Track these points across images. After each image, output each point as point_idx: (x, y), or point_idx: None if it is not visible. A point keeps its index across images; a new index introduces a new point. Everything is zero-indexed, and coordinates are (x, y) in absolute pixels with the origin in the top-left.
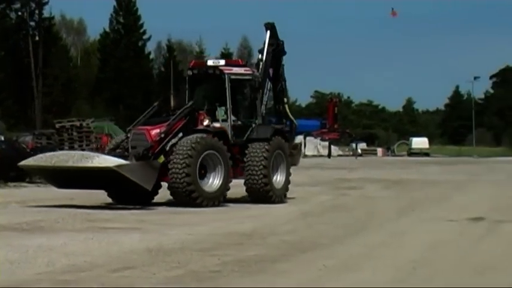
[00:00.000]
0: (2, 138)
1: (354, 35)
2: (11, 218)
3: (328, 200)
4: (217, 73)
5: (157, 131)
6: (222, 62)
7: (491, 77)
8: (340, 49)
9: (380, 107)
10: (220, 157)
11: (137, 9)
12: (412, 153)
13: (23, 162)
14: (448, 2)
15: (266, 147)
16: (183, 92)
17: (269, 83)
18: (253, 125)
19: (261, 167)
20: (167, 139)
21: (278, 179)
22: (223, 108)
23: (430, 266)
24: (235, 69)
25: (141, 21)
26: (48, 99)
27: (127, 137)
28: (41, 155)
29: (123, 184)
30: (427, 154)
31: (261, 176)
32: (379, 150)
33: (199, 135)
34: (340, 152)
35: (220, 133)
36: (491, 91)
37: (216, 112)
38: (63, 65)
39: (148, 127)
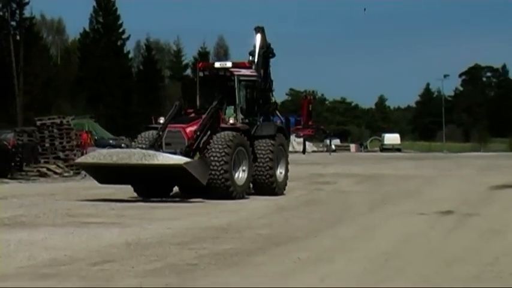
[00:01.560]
0: None
1: (327, 34)
2: None
3: (303, 195)
4: (228, 75)
5: (193, 129)
6: (229, 64)
7: (460, 75)
8: (314, 47)
9: (353, 104)
10: (246, 153)
11: (116, 9)
12: (384, 148)
13: (79, 160)
14: (418, 2)
15: (271, 143)
16: (207, 93)
17: (262, 83)
18: (258, 123)
19: (267, 161)
20: (200, 136)
21: (280, 172)
22: (232, 107)
23: (402, 257)
24: (243, 71)
25: (120, 21)
26: (29, 97)
27: (159, 135)
28: (94, 153)
29: (183, 179)
30: (398, 150)
31: (267, 169)
32: (352, 146)
33: (230, 133)
34: (315, 148)
35: (245, 131)
36: (461, 88)
37: (225, 111)
38: (43, 64)
39: (183, 125)
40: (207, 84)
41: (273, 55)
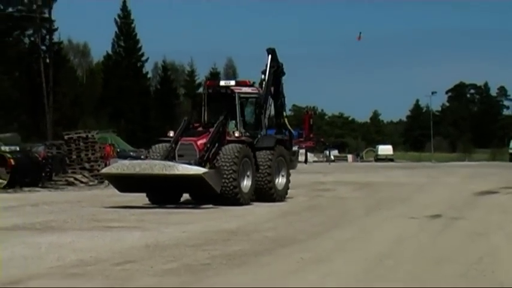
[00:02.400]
0: (18, 149)
1: (327, 55)
2: (25, 219)
3: (305, 201)
4: (229, 92)
5: (203, 141)
6: (233, 82)
7: (447, 92)
8: (315, 67)
9: (350, 118)
10: (251, 163)
11: (136, 34)
12: (378, 159)
13: (103, 171)
14: (408, 26)
15: (270, 154)
16: (213, 108)
17: (270, 99)
18: (259, 136)
19: (266, 170)
20: (209, 148)
21: (280, 181)
22: (234, 121)
23: (395, 257)
24: (244, 89)
25: (139, 45)
26: (57, 114)
27: (172, 147)
28: (117, 164)
29: (200, 188)
30: (391, 159)
31: (266, 177)
32: (350, 156)
33: (237, 145)
34: (315, 158)
35: (249, 143)
36: (447, 104)
37: (227, 125)
38: (71, 84)
39: (194, 138)
40: (213, 101)
41: (284, 74)
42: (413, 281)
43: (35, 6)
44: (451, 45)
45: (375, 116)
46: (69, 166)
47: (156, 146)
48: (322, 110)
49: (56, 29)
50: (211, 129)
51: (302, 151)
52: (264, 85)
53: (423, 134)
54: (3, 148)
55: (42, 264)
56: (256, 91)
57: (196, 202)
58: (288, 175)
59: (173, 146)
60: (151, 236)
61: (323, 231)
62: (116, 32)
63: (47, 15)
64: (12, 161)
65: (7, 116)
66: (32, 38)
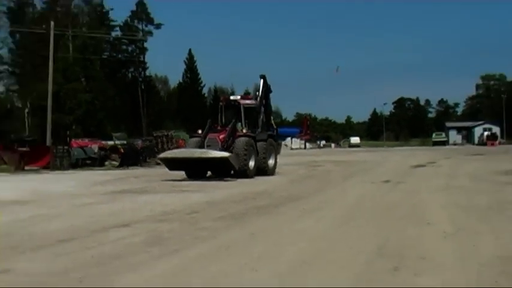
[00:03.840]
0: (125, 142)
1: (319, 78)
2: (130, 186)
3: (305, 173)
4: (236, 104)
5: (223, 136)
6: (238, 97)
7: (393, 103)
8: (311, 86)
9: (332, 120)
10: (254, 150)
11: (197, 69)
12: (350, 145)
13: (161, 155)
14: (369, 60)
15: (265, 144)
16: (227, 114)
17: (262, 108)
18: (257, 132)
19: (263, 155)
20: (228, 140)
21: (271, 161)
22: (240, 123)
23: (361, 206)
24: (246, 101)
25: (199, 76)
26: (149, 120)
27: (202, 141)
28: (169, 152)
29: (225, 166)
30: (358, 146)
31: (263, 159)
32: (332, 144)
33: (246, 138)
34: (311, 146)
35: (253, 137)
36: (393, 111)
37: (237, 125)
38: (157, 101)
39: (216, 134)
40: (226, 109)
41: (271, 91)
42: (373, 219)
43: (135, 54)
44: (395, 72)
45: (348, 118)
46: (157, 153)
47: (191, 139)
48: (315, 116)
49: (148, 68)
50: (227, 128)
51: (302, 141)
52: (258, 99)
53: (378, 129)
54: (116, 142)
55: (141, 213)
56: (254, 102)
57: (219, 177)
58: (276, 158)
59: (203, 139)
60: (208, 196)
61: (316, 191)
62: (184, 68)
63: (142, 59)
64: (122, 150)
65: (118, 122)
66: (133, 73)
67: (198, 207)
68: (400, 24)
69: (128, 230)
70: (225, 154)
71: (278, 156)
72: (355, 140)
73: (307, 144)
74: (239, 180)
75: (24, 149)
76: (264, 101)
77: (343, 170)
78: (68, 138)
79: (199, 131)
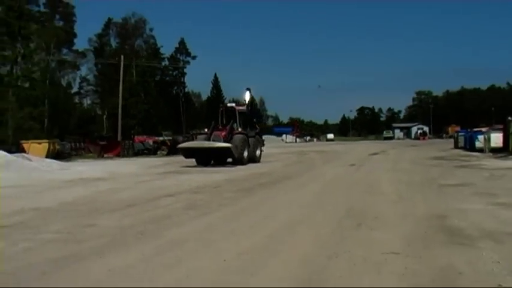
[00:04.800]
0: (171, 138)
1: (305, 92)
2: (174, 168)
3: (295, 160)
4: (233, 109)
5: (224, 133)
6: (234, 104)
7: (357, 110)
8: (298, 98)
9: (316, 122)
10: (247, 143)
11: (220, 87)
12: (327, 140)
13: (179, 145)
14: (343, 79)
15: (254, 140)
16: (226, 118)
17: (249, 113)
18: (247, 131)
19: (253, 147)
20: (228, 136)
21: (258, 152)
22: (236, 124)
23: (335, 183)
24: (240, 107)
25: (222, 92)
26: (187, 123)
27: (209, 137)
28: (185, 143)
29: (227, 155)
30: (333, 140)
31: (253, 151)
32: (315, 139)
33: (241, 135)
34: (300, 140)
35: (246, 134)
36: (357, 116)
37: (233, 126)
38: (193, 110)
39: (219, 132)
40: (226, 114)
41: (254, 100)
42: (342, 191)
43: (177, 77)
44: (358, 88)
45: (326, 121)
46: None
47: (199, 136)
48: (303, 119)
49: (186, 86)
50: (227, 128)
51: (293, 137)
52: (247, 107)
53: (346, 129)
54: (165, 138)
55: (181, 187)
56: (246, 109)
57: (220, 164)
58: (261, 150)
59: (209, 136)
60: (227, 176)
61: (303, 172)
62: (211, 86)
63: (182, 80)
64: (168, 143)
65: (166, 124)
66: (176, 90)
67: (221, 183)
68: (362, 52)
69: (173, 199)
70: (228, 145)
71: (264, 148)
72: (330, 136)
73: (297, 139)
74: (247, 165)
75: (103, 142)
76: (249, 108)
77: (322, 158)
78: (132, 135)
79: (206, 130)
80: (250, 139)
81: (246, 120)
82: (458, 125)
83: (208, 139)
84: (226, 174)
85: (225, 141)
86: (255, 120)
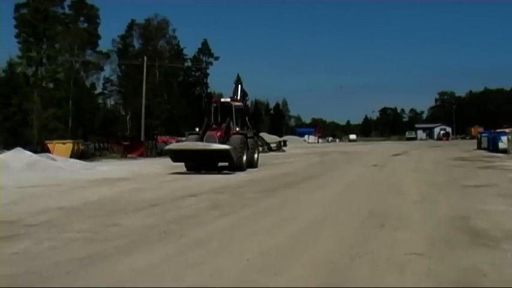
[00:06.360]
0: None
1: (328, 93)
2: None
3: (317, 160)
4: (229, 105)
5: (219, 133)
6: (229, 99)
7: (379, 111)
8: (323, 98)
9: (338, 123)
10: (246, 146)
11: (242, 85)
12: (349, 140)
13: (166, 147)
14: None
15: (253, 141)
16: (221, 114)
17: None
18: (244, 130)
19: (251, 150)
20: (224, 137)
21: (256, 155)
22: (232, 123)
23: (357, 182)
24: (237, 103)
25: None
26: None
27: (201, 138)
28: (174, 144)
29: (225, 158)
30: (355, 141)
31: (252, 154)
32: (337, 140)
33: (240, 136)
34: (322, 141)
35: (245, 134)
36: (379, 116)
37: (229, 125)
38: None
39: (214, 132)
40: (219, 110)
41: (247, 95)
42: (365, 192)
43: (200, 77)
44: (381, 88)
45: (348, 121)
46: None
47: (190, 136)
48: (325, 120)
49: (209, 87)
50: (222, 126)
51: (316, 138)
52: (243, 102)
53: (369, 129)
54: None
55: (204, 187)
56: (242, 104)
57: (212, 169)
58: (259, 153)
59: (202, 136)
60: (249, 176)
61: (325, 172)
62: (234, 86)
63: (205, 81)
64: None
65: (189, 124)
66: (199, 91)
67: (243, 184)
68: (384, 53)
69: (196, 199)
70: (227, 146)
71: (285, 149)
72: (352, 136)
73: (320, 139)
74: (266, 165)
75: (126, 143)
76: (244, 104)
77: (344, 158)
78: (155, 136)
79: (197, 129)
80: (248, 140)
81: (242, 118)
82: (482, 125)
83: (201, 140)
84: (249, 174)
85: (220, 143)
86: (251, 119)
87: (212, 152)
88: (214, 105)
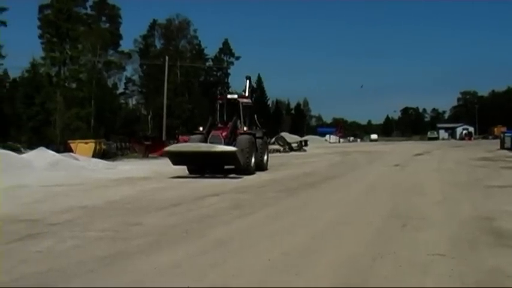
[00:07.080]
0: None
1: (349, 93)
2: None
3: (339, 159)
4: (236, 102)
5: (225, 133)
6: (236, 95)
7: (401, 111)
8: (344, 98)
9: (359, 122)
10: (255, 147)
11: (264, 88)
12: (371, 140)
13: (166, 148)
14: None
15: (262, 142)
16: (227, 112)
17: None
18: (254, 129)
19: (261, 152)
20: (230, 137)
21: (265, 157)
22: (239, 121)
23: (378, 183)
24: (245, 100)
25: (265, 92)
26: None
27: (205, 138)
28: (175, 145)
29: (231, 161)
30: (376, 141)
31: (261, 156)
32: (359, 140)
33: (248, 136)
34: (343, 140)
35: (253, 134)
36: (400, 116)
37: (236, 124)
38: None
39: (219, 131)
40: (225, 107)
41: (256, 91)
42: (387, 191)
43: (221, 77)
44: (402, 88)
45: (369, 121)
46: None
47: (193, 136)
48: (346, 119)
49: (230, 87)
50: (229, 125)
51: (337, 138)
52: (251, 98)
53: (390, 129)
54: None
55: (226, 187)
56: (250, 101)
57: (217, 172)
58: (268, 154)
59: (206, 136)
60: (270, 177)
61: (347, 172)
62: (255, 87)
63: (226, 81)
64: None
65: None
66: (220, 91)
67: (265, 183)
68: (406, 52)
69: (218, 198)
70: (233, 148)
71: (306, 148)
72: (374, 136)
73: (341, 139)
74: (287, 165)
75: (148, 142)
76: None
77: (366, 158)
78: (177, 135)
79: (201, 128)
80: (257, 141)
81: (250, 116)
82: (505, 125)
83: (205, 140)
84: (271, 174)
85: (226, 144)
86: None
87: (216, 154)
88: (220, 102)
